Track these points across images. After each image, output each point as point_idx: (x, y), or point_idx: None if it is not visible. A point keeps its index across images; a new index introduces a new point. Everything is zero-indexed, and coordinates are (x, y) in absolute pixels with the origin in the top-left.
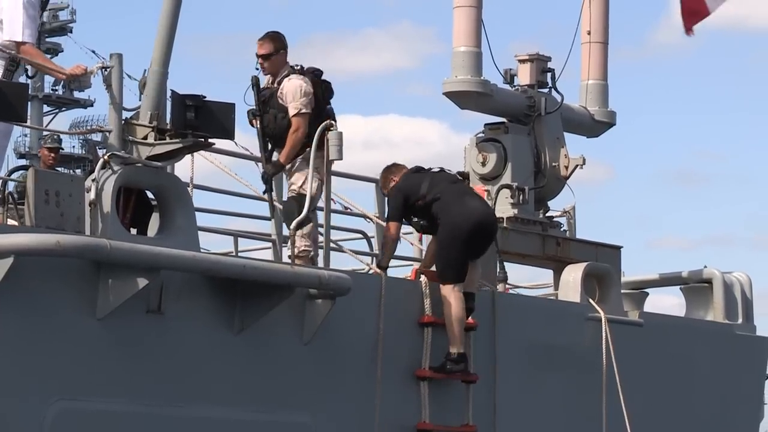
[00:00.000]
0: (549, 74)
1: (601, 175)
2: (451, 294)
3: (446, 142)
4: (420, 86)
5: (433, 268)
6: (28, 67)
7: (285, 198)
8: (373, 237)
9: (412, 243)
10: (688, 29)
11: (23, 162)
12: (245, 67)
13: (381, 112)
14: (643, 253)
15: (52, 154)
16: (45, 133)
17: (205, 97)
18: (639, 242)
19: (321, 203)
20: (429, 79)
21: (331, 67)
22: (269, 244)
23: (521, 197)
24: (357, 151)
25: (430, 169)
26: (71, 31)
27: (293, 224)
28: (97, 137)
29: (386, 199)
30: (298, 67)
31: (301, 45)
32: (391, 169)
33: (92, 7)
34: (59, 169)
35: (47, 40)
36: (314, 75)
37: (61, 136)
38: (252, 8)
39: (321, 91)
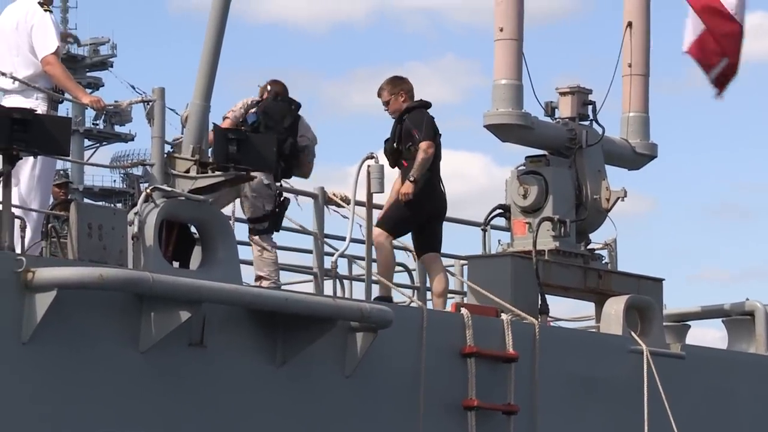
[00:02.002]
0: (590, 107)
1: (642, 207)
2: (384, 239)
3: (488, 175)
4: (462, 120)
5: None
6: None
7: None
8: (414, 270)
9: (452, 281)
10: (719, 92)
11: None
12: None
13: None
14: (685, 286)
15: (62, 190)
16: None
17: (247, 131)
18: (681, 275)
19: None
20: (471, 113)
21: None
22: (311, 277)
23: (562, 230)
24: None
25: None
26: (112, 66)
27: (335, 256)
28: (138, 171)
29: (386, 105)
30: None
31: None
32: (399, 83)
33: (133, 41)
34: (101, 203)
35: (88, 74)
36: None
37: (70, 173)
38: (295, 42)
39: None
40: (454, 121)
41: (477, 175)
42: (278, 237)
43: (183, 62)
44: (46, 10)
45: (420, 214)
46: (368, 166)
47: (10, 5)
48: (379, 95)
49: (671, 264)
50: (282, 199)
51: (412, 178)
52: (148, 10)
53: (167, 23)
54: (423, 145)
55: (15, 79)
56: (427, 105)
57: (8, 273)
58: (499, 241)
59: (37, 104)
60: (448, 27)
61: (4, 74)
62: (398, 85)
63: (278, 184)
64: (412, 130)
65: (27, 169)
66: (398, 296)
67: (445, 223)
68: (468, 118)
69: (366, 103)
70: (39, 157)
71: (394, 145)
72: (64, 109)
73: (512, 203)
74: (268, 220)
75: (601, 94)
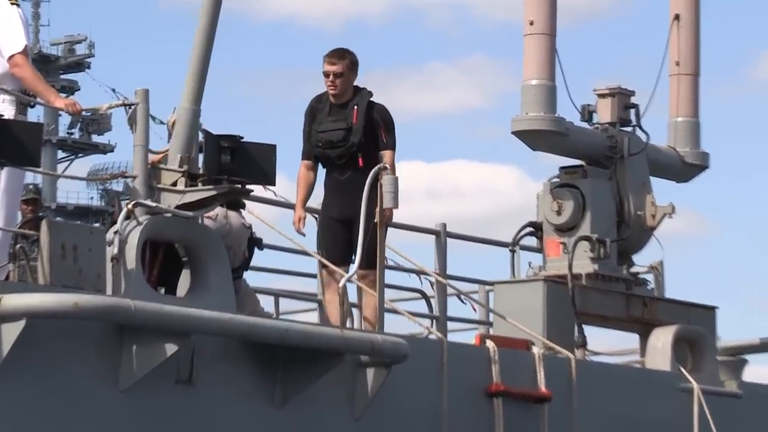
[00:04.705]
0: (633, 110)
1: (693, 225)
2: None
3: (522, 190)
4: (492, 127)
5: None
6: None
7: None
8: (432, 297)
9: (475, 308)
10: None
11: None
12: (294, 105)
13: (447, 156)
14: (742, 315)
15: (31, 207)
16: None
17: (242, 137)
18: (737, 302)
19: None
20: (503, 119)
21: (389, 107)
22: (315, 305)
23: (602, 251)
24: (419, 201)
25: None
26: (89, 67)
27: (342, 280)
28: (118, 185)
29: (337, 77)
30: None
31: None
32: (356, 60)
33: (113, 38)
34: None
35: (62, 77)
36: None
37: (42, 187)
38: (305, 41)
39: None
40: (482, 129)
41: (509, 190)
42: (276, 261)
43: (171, 62)
44: (12, 3)
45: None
46: (380, 177)
47: None
48: (332, 63)
49: (726, 290)
50: (252, 236)
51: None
52: (133, 4)
53: (154, 18)
54: (391, 156)
55: None
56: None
57: None
58: (529, 263)
59: (4, 108)
60: (475, 22)
61: None
62: (357, 62)
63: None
64: (380, 128)
65: None
66: (414, 327)
67: (468, 244)
68: (499, 126)
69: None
70: (5, 168)
71: (362, 139)
72: (35, 115)
73: (544, 220)
74: (247, 264)
75: (645, 96)
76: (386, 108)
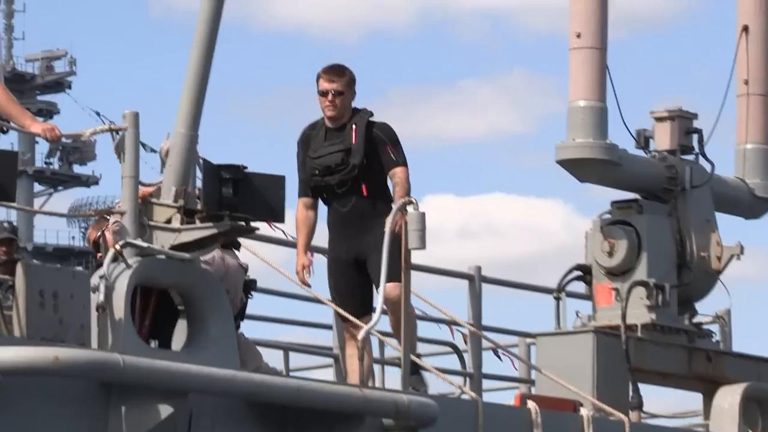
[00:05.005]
0: (695, 136)
1: (764, 268)
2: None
3: (568, 227)
4: (535, 155)
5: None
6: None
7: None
8: (465, 351)
9: (515, 365)
10: None
11: None
12: (294, 126)
13: (482, 189)
14: None
15: (5, 248)
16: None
17: (246, 167)
18: None
19: None
20: (547, 146)
21: (414, 131)
22: (330, 360)
23: (660, 298)
24: (450, 240)
25: None
26: (70, 87)
27: (362, 332)
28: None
29: (336, 96)
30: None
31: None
32: (354, 78)
33: (97, 53)
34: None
35: (39, 98)
36: None
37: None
38: (319, 53)
39: None
40: (523, 157)
41: (555, 228)
42: (285, 309)
43: (164, 81)
44: None
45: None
46: (405, 214)
47: None
48: (331, 80)
49: None
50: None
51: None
52: (121, 13)
53: (144, 29)
54: (404, 172)
55: None
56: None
57: None
58: (577, 312)
59: None
60: (515, 34)
61: None
62: (354, 80)
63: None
64: (386, 146)
65: None
66: (444, 385)
67: (507, 290)
68: (542, 154)
69: (408, 132)
70: None
71: (364, 161)
72: (8, 142)
73: (594, 263)
74: (243, 312)
75: (709, 120)
76: (389, 125)
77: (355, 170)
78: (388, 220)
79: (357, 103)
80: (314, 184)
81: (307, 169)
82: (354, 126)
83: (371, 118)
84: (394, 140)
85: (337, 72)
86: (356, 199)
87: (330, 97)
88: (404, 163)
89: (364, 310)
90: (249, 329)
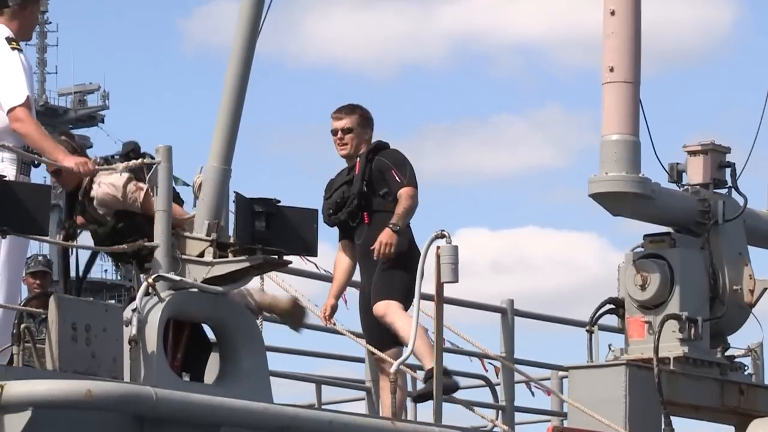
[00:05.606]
0: (728, 170)
1: None
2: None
3: (601, 261)
4: (568, 189)
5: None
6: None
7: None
8: (498, 384)
9: (549, 397)
10: None
11: None
12: (337, 163)
13: (515, 223)
14: None
15: (38, 281)
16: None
17: (279, 201)
18: None
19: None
20: (580, 180)
21: (448, 166)
22: (362, 393)
23: (693, 331)
24: (483, 274)
25: None
26: (102, 121)
27: (393, 366)
28: None
29: (345, 133)
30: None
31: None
32: (370, 117)
33: (130, 88)
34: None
35: (72, 131)
36: None
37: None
38: (352, 90)
39: None
40: (556, 191)
41: (589, 262)
42: (317, 343)
43: (197, 115)
44: (14, 48)
45: (413, 276)
46: (438, 247)
47: None
48: (339, 118)
49: None
50: None
51: (396, 227)
52: (155, 48)
53: (178, 64)
54: (409, 190)
55: None
56: None
57: None
58: (609, 346)
59: (3, 168)
60: (549, 69)
61: None
62: (369, 118)
63: None
64: (391, 170)
65: None
66: (476, 419)
67: (539, 324)
68: (575, 188)
69: (441, 167)
70: (7, 237)
71: (364, 188)
72: (40, 176)
73: (627, 296)
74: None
75: (742, 154)
76: (395, 149)
77: (354, 198)
78: (378, 240)
79: (391, 139)
80: (332, 223)
81: (323, 211)
82: (358, 158)
83: (379, 147)
84: (399, 163)
85: (346, 110)
86: (366, 230)
87: (339, 134)
88: (411, 183)
89: (393, 340)
90: (282, 362)
